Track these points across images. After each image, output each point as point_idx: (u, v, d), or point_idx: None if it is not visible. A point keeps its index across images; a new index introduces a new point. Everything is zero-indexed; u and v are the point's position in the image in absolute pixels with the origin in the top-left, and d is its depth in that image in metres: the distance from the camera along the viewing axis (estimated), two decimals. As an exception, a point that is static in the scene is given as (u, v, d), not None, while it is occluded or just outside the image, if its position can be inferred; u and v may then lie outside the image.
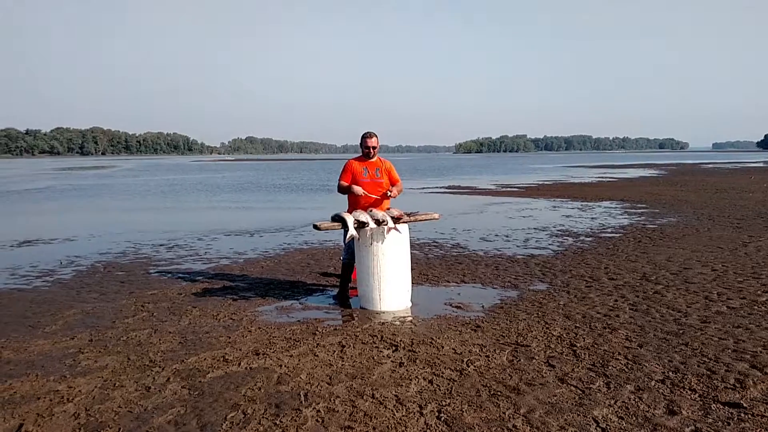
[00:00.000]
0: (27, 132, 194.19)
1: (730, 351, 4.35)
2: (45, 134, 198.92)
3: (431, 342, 4.67)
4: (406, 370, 4.08)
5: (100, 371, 4.15)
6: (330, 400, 3.59)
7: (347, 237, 5.54)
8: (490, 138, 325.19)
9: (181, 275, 7.64)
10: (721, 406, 3.42)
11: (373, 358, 4.35)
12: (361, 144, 6.15)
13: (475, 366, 4.13)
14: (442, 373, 4.01)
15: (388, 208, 5.86)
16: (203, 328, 5.19)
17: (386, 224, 5.57)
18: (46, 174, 48.97)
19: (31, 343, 4.82)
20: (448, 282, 7.00)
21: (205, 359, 4.36)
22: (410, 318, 5.46)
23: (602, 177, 34.86)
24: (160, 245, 10.20)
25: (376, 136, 6.16)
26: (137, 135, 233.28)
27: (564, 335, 4.80)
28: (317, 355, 4.41)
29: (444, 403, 3.52)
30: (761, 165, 51.82)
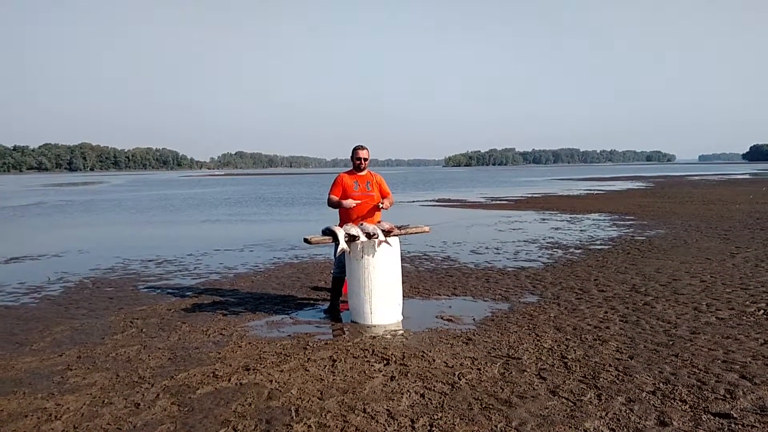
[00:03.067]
0: (15, 148, 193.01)
1: (719, 362, 4.38)
2: (33, 150, 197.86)
3: (423, 355, 4.66)
4: (398, 384, 4.07)
5: (88, 388, 4.11)
6: (321, 415, 3.57)
7: (338, 251, 5.54)
8: (479, 151, 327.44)
9: (170, 291, 7.59)
10: (712, 417, 3.44)
11: (365, 372, 4.33)
12: (351, 156, 6.18)
13: (466, 379, 4.13)
14: (434, 386, 4.00)
15: (379, 221, 5.87)
16: (193, 344, 5.15)
17: (377, 237, 5.57)
18: (35, 190, 48.60)
19: (19, 361, 4.77)
20: (439, 295, 7.00)
21: (194, 375, 4.33)
22: (401, 331, 5.45)
23: (590, 189, 35.10)
24: (149, 261, 10.14)
25: (367, 149, 6.19)
26: (126, 150, 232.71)
27: (555, 347, 4.81)
28: (308, 370, 4.39)
29: (436, 416, 3.51)
30: (747, 177, 52.42)
